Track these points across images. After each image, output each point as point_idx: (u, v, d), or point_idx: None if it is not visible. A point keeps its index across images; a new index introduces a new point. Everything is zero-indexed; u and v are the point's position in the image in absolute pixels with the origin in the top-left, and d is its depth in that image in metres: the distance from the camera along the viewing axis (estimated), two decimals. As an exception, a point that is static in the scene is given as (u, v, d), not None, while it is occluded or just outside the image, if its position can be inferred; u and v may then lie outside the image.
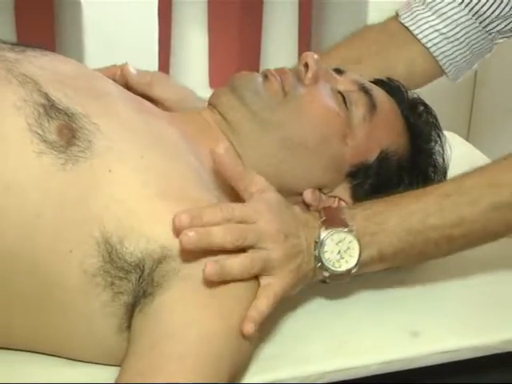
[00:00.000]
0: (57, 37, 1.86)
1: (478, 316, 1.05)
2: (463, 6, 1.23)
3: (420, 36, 1.24)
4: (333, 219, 0.95)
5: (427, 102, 1.17)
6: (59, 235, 0.87)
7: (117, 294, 0.87)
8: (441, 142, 1.15)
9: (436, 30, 1.24)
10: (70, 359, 0.92)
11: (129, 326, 0.87)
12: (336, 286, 0.98)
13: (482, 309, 1.07)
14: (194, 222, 0.85)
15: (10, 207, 0.86)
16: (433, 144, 1.14)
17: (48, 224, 0.86)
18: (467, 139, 1.91)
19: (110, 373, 0.87)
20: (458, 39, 1.24)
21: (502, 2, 1.23)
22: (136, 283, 0.86)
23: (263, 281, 0.89)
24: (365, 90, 1.09)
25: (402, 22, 1.25)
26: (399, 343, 1.00)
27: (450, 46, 1.25)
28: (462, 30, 1.24)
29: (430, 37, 1.24)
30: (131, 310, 0.87)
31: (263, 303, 0.87)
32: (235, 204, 0.89)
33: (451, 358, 1.00)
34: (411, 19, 1.25)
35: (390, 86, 1.15)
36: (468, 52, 1.26)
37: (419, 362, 0.99)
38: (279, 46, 1.83)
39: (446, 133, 1.19)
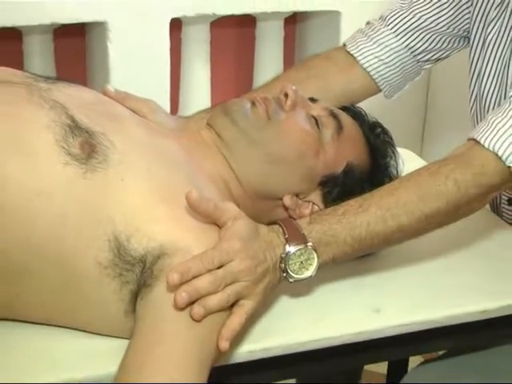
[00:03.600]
0: (88, 73, 1.89)
1: (427, 297, 1.09)
2: (398, 38, 1.31)
3: (363, 61, 1.31)
4: (294, 236, 0.96)
5: (385, 122, 1.21)
6: (79, 232, 0.90)
7: (124, 284, 0.90)
8: (395, 157, 1.18)
9: (376, 57, 1.31)
10: (86, 331, 0.95)
11: (133, 311, 0.90)
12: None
13: (431, 291, 1.10)
14: (184, 278, 0.86)
15: (40, 209, 0.89)
16: (388, 159, 1.18)
17: (70, 223, 0.90)
18: (420, 155, 1.93)
19: (120, 342, 0.92)
20: (394, 64, 1.32)
21: (428, 39, 1.31)
22: (139, 274, 0.89)
23: (237, 301, 0.92)
24: (333, 115, 1.13)
25: (348, 50, 1.33)
26: (365, 318, 1.04)
27: (387, 69, 1.32)
28: (396, 57, 1.32)
29: (371, 62, 1.31)
30: (135, 298, 0.90)
31: (236, 322, 0.90)
32: (213, 252, 0.90)
33: (406, 330, 1.04)
34: (355, 47, 1.32)
35: (354, 112, 1.20)
36: (401, 75, 1.34)
37: (381, 333, 1.03)
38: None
39: (401, 149, 1.22)
